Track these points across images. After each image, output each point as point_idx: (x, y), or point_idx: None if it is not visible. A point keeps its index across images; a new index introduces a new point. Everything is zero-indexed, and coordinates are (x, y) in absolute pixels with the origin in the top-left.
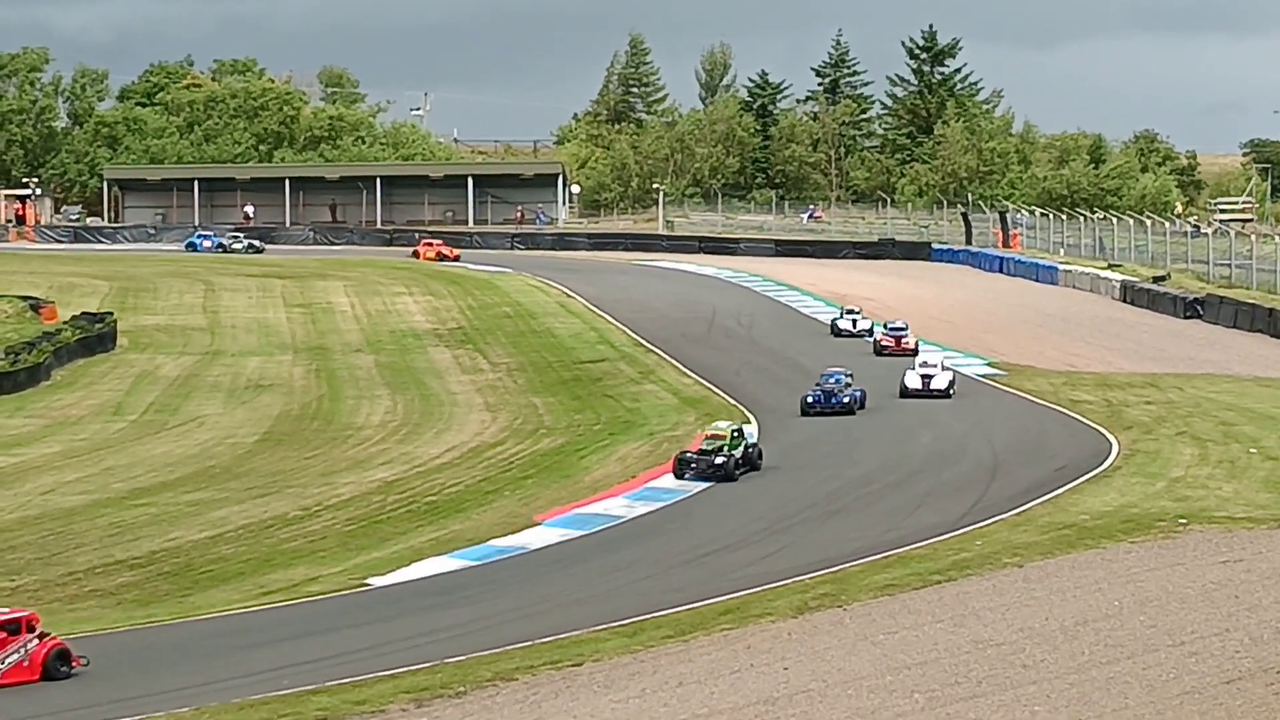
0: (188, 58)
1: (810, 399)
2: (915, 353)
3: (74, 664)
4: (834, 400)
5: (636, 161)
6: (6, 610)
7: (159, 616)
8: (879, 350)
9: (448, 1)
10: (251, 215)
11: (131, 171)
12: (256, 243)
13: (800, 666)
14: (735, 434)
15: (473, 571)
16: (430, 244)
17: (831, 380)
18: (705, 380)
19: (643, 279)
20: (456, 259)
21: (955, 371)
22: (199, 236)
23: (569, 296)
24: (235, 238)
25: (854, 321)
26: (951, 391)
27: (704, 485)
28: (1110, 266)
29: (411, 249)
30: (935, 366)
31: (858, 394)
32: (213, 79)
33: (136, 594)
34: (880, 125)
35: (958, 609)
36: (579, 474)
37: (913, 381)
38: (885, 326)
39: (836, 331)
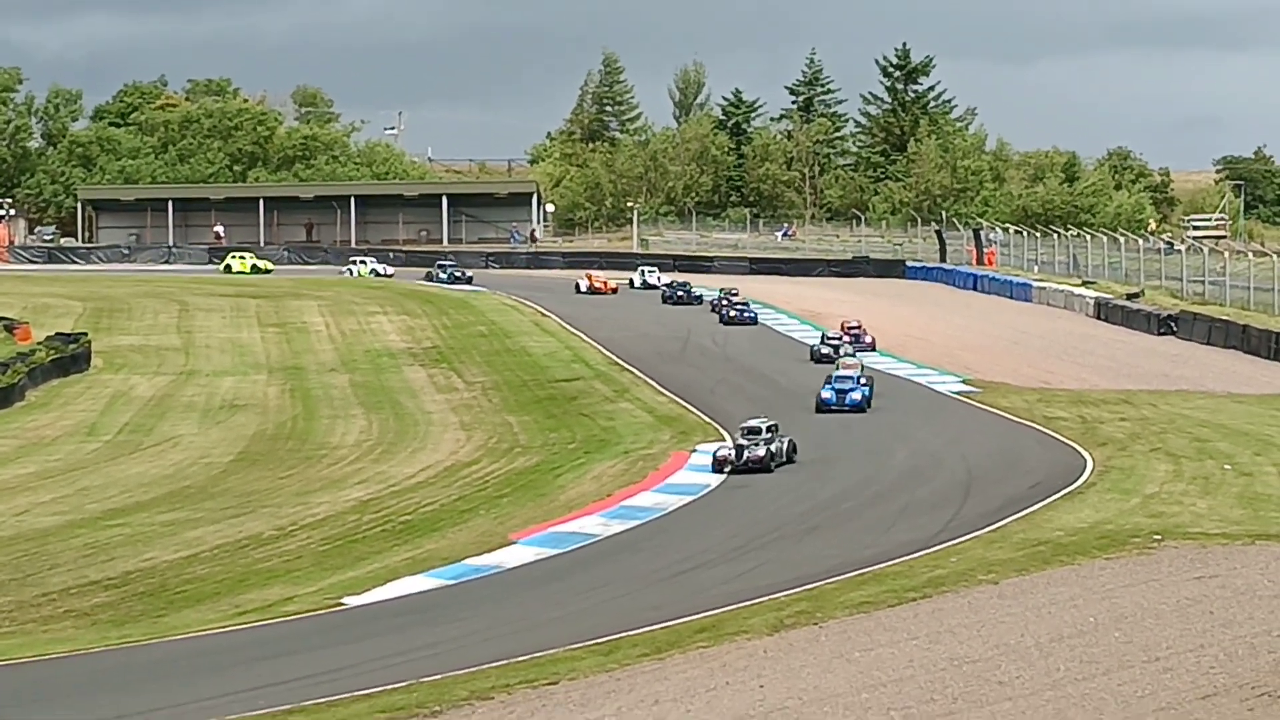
0: (161, 78)
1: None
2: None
3: None
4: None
5: (610, 180)
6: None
7: (134, 637)
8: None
9: (421, 21)
10: (222, 235)
11: (106, 192)
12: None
13: (776, 684)
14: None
15: (448, 590)
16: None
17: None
18: (680, 399)
19: (617, 298)
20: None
21: None
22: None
23: (543, 315)
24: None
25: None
26: None
27: (680, 502)
28: (1084, 284)
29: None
30: None
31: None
32: (187, 99)
33: (111, 614)
34: (854, 143)
35: (933, 626)
36: (554, 492)
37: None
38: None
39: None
